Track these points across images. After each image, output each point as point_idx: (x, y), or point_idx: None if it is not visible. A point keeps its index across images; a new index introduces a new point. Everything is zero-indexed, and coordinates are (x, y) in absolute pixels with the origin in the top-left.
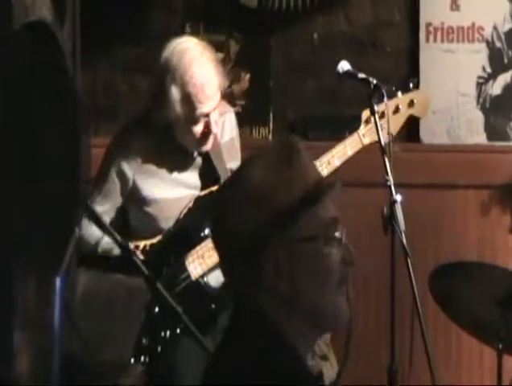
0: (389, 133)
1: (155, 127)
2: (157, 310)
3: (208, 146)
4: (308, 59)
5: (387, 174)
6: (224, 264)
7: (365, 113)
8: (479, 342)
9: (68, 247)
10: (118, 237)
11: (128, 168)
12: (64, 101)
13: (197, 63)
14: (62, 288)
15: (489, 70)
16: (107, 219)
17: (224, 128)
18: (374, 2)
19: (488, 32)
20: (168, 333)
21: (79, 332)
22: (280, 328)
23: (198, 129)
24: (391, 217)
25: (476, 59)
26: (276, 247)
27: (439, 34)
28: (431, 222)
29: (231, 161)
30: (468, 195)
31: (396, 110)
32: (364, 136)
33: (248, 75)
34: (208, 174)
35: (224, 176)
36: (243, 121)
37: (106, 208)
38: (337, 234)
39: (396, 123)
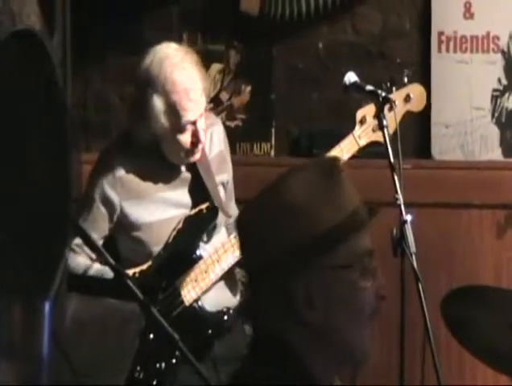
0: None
1: (138, 145)
2: (152, 336)
3: (196, 157)
4: (313, 71)
5: (397, 193)
6: (250, 283)
7: (360, 113)
8: (494, 372)
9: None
10: (111, 260)
11: (114, 194)
12: (53, 114)
13: (179, 69)
14: (51, 314)
15: (504, 82)
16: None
17: (212, 141)
18: (383, 9)
19: (504, 42)
20: (164, 362)
21: (68, 361)
22: (304, 360)
23: (185, 138)
24: (401, 238)
25: (491, 70)
26: (310, 271)
27: (451, 43)
28: (443, 243)
29: (221, 174)
30: (482, 214)
31: (391, 108)
32: (360, 137)
33: (249, 88)
34: (198, 190)
35: (213, 192)
36: (243, 136)
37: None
38: (373, 266)
39: (392, 120)
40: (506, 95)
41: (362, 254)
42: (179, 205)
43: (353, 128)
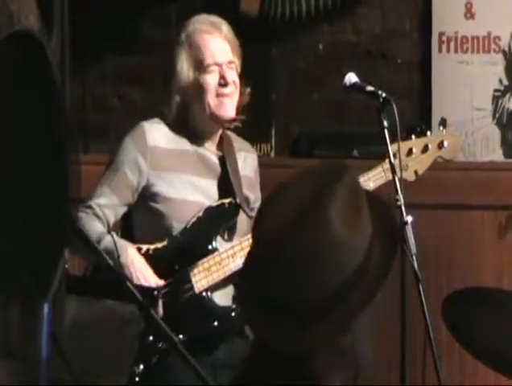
0: (416, 172)
1: (174, 122)
2: (151, 338)
3: (229, 111)
4: (313, 71)
5: (397, 194)
6: (282, 316)
7: (393, 148)
8: (495, 374)
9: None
10: (110, 262)
11: (143, 162)
12: (51, 115)
13: (207, 30)
14: (49, 315)
15: (505, 82)
16: (111, 214)
17: (245, 163)
18: (384, 9)
19: (505, 42)
20: (163, 363)
21: (67, 363)
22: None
23: (212, 79)
24: (402, 240)
25: (492, 70)
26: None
27: (452, 44)
28: (444, 245)
29: (246, 190)
30: (483, 215)
31: (425, 149)
32: (388, 170)
33: (248, 89)
34: (225, 185)
35: (238, 190)
36: (243, 137)
37: (114, 202)
38: None
39: (423, 163)
40: (507, 95)
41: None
42: (205, 194)
43: (353, 129)
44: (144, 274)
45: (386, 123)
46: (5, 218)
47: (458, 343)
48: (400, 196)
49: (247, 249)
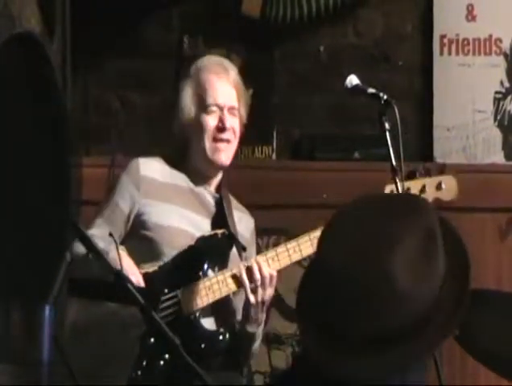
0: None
1: (171, 159)
2: (152, 341)
3: (224, 158)
4: (314, 74)
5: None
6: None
7: (388, 188)
8: (497, 377)
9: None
10: (113, 265)
11: (135, 191)
12: (53, 118)
13: (216, 70)
14: (51, 317)
15: (507, 85)
16: (103, 244)
17: (240, 223)
18: (385, 12)
19: (506, 44)
20: (164, 366)
21: (69, 365)
22: None
23: (211, 120)
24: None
25: (493, 73)
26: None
27: (453, 46)
28: None
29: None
30: (484, 218)
31: (422, 190)
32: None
33: (250, 91)
34: (218, 224)
35: (233, 228)
36: (245, 139)
37: (105, 232)
38: None
39: None
40: (509, 98)
41: None
42: (197, 227)
43: (354, 131)
44: (130, 272)
45: (387, 125)
46: (6, 220)
47: (459, 345)
48: None
49: (237, 278)
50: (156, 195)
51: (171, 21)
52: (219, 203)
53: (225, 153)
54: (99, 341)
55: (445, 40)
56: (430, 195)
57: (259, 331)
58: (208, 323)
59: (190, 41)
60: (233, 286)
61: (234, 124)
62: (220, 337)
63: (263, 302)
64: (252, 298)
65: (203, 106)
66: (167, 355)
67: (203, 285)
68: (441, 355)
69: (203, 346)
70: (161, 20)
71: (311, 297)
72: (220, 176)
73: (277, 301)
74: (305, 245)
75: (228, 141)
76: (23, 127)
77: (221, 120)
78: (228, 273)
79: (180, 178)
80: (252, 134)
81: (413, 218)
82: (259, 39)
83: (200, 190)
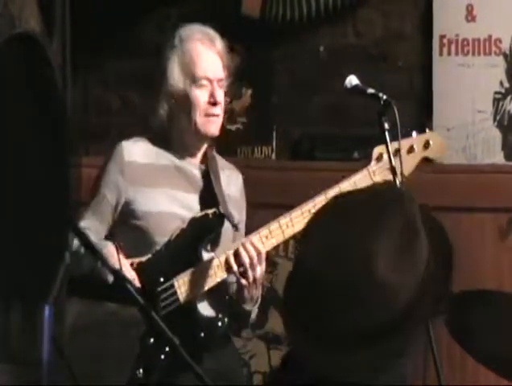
0: (401, 173)
1: (155, 136)
2: (152, 341)
3: (214, 129)
4: (314, 74)
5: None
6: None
7: (377, 150)
8: (497, 377)
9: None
10: (111, 264)
11: (121, 178)
12: (53, 118)
13: (202, 40)
14: (50, 318)
15: (506, 85)
16: (93, 236)
17: (229, 183)
18: (385, 12)
19: (506, 45)
20: (164, 365)
21: (69, 366)
22: None
23: (202, 95)
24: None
25: (493, 73)
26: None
27: (453, 46)
28: None
29: (232, 210)
30: (484, 218)
31: (410, 150)
32: (374, 173)
33: (250, 91)
34: (208, 199)
35: (223, 202)
36: (244, 139)
37: (95, 223)
38: None
39: (410, 163)
40: (508, 98)
41: None
42: (186, 207)
43: (354, 131)
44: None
45: (386, 126)
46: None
47: (459, 345)
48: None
49: (232, 260)
50: (142, 180)
51: (170, 21)
52: (206, 176)
53: (216, 125)
54: (99, 341)
55: (445, 40)
56: (418, 153)
57: (255, 307)
58: (203, 307)
59: None
60: (227, 271)
61: (222, 96)
62: (219, 323)
63: (255, 281)
64: (244, 281)
65: (192, 79)
66: (166, 355)
67: (198, 271)
68: (441, 355)
69: (202, 334)
70: (160, 20)
71: (295, 297)
72: (204, 147)
73: (276, 300)
74: (298, 219)
75: (219, 114)
76: (23, 127)
77: (212, 94)
78: (222, 257)
79: (165, 157)
80: (251, 135)
81: (393, 208)
82: (259, 39)
83: (185, 165)
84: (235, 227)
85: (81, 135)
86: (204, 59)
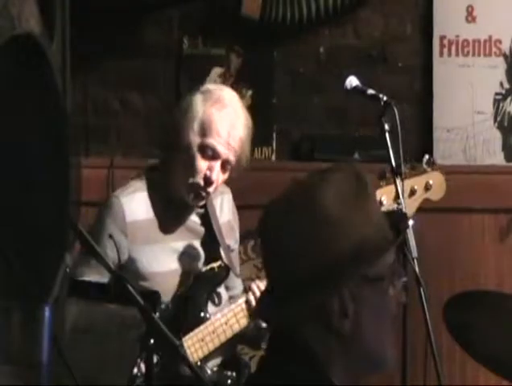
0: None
1: (149, 183)
2: (152, 342)
3: (199, 202)
4: (314, 75)
5: (398, 198)
6: (274, 292)
7: (378, 194)
8: (497, 378)
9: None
10: (112, 265)
11: (124, 239)
12: (53, 119)
13: (222, 107)
14: (51, 319)
15: (507, 86)
16: None
17: (222, 209)
18: (385, 13)
19: (506, 46)
20: (164, 366)
21: (69, 368)
22: (327, 369)
23: (201, 165)
24: (402, 243)
25: (493, 74)
26: (347, 283)
27: (453, 47)
28: (445, 248)
29: (228, 239)
30: (484, 219)
31: (412, 193)
32: None
33: (250, 92)
34: (210, 245)
35: (224, 249)
36: None
37: (94, 277)
38: (399, 275)
39: (412, 206)
40: (508, 99)
41: (391, 265)
42: (189, 256)
43: (354, 132)
44: None
45: (387, 127)
46: (7, 221)
47: (459, 346)
48: (401, 200)
49: (240, 315)
50: (144, 238)
51: (170, 21)
52: (204, 220)
53: (203, 199)
54: (99, 342)
55: (445, 41)
56: (419, 196)
57: None
58: (214, 366)
59: (190, 41)
60: (236, 327)
61: (221, 178)
62: (229, 381)
63: None
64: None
65: (201, 145)
66: (166, 357)
67: (206, 330)
68: (441, 355)
69: None
70: (161, 20)
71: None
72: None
73: None
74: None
75: (209, 193)
76: (23, 128)
77: (211, 170)
78: (230, 314)
79: (163, 208)
80: (251, 135)
81: (343, 168)
82: (259, 40)
83: (184, 214)
84: (238, 276)
85: (81, 135)
86: (222, 133)
